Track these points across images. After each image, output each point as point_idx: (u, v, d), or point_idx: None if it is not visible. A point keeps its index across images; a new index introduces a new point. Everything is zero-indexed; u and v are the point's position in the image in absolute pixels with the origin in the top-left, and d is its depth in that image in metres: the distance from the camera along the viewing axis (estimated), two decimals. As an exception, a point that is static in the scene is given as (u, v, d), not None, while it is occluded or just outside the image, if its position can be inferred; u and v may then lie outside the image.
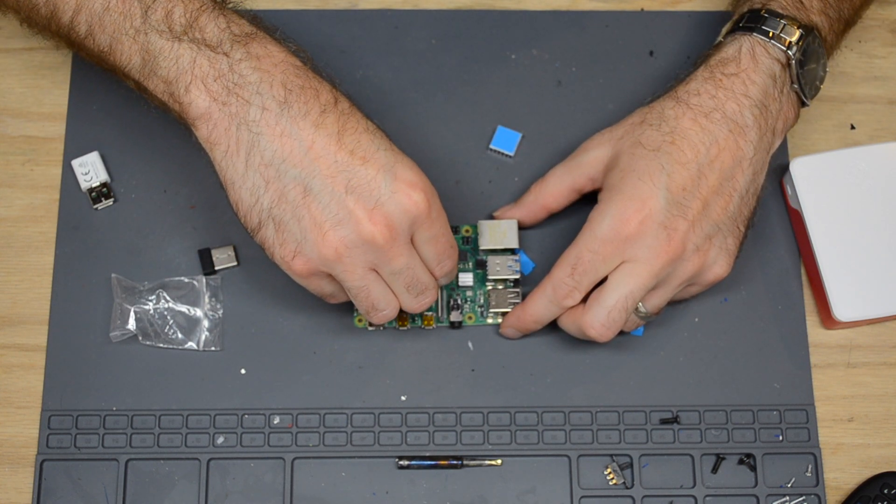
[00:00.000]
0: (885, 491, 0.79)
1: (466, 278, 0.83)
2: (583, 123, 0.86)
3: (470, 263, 0.84)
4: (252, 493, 0.80)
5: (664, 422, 0.81)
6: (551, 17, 0.89)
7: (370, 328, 0.83)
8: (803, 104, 0.80)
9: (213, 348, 0.82)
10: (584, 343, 0.82)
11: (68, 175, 0.85)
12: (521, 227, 0.84)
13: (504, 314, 0.82)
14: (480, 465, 0.81)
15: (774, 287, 0.84)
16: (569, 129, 0.86)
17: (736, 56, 0.77)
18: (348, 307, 0.83)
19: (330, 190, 0.71)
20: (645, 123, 0.77)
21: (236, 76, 0.72)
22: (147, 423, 0.81)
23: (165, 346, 0.82)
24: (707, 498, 0.80)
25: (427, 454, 0.80)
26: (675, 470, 0.81)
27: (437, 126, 0.87)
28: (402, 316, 0.82)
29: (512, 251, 0.83)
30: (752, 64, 0.77)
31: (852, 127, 0.88)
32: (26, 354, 0.82)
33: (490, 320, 0.83)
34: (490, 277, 0.82)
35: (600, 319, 0.76)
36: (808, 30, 0.77)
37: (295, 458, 0.80)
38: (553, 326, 0.80)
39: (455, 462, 0.80)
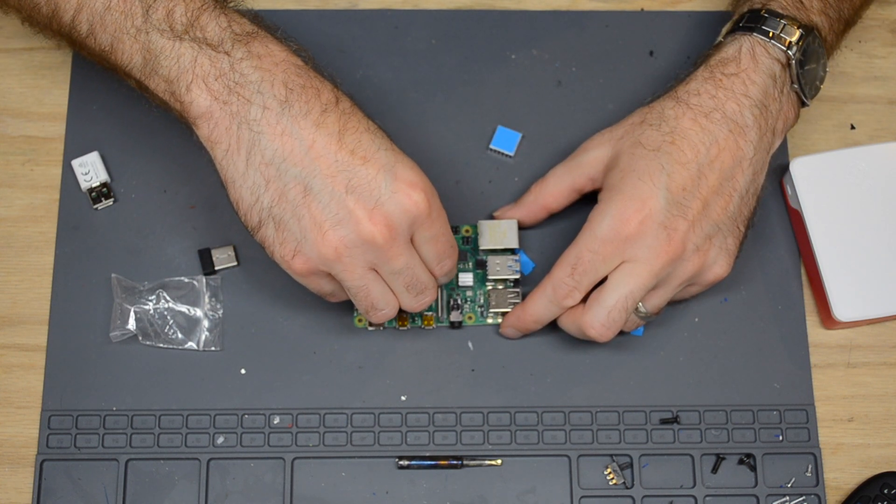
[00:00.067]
0: (885, 491, 0.79)
1: (466, 278, 0.83)
2: (583, 123, 0.86)
3: (470, 263, 0.84)
4: (252, 493, 0.80)
5: (664, 422, 0.81)
6: (551, 17, 0.89)
7: (370, 328, 0.83)
8: (803, 104, 0.80)
9: (213, 348, 0.82)
10: (584, 343, 0.82)
11: (68, 175, 0.85)
12: (521, 227, 0.84)
13: (504, 314, 0.82)
14: (480, 465, 0.81)
15: (774, 287, 0.84)
16: (569, 129, 0.86)
17: (736, 56, 0.77)
18: (348, 307, 0.83)
19: (330, 189, 0.71)
20: (645, 123, 0.77)
21: (237, 75, 0.72)
22: (147, 423, 0.81)
23: (165, 346, 0.82)
24: (707, 498, 0.80)
25: (427, 454, 0.80)
26: (675, 470, 0.81)
27: (437, 126, 0.87)
28: (402, 316, 0.82)
29: (512, 251, 0.83)
30: (752, 64, 0.77)
31: (852, 127, 0.88)
32: (26, 354, 0.82)
33: (490, 320, 0.83)
34: (490, 277, 0.82)
35: (600, 319, 0.76)
36: (809, 30, 0.77)
37: (295, 458, 0.80)
38: (553, 326, 0.80)
39: (455, 462, 0.80)
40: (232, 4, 0.75)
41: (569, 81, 0.88)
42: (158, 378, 0.82)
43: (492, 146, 0.86)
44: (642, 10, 0.90)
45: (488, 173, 0.86)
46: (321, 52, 0.86)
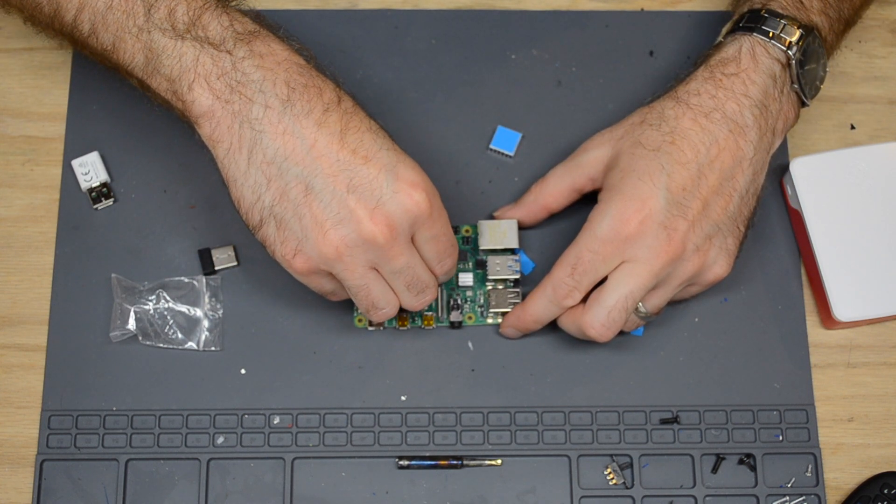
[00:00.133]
0: (885, 491, 0.79)
1: (466, 278, 0.83)
2: (583, 123, 0.86)
3: (470, 263, 0.84)
4: (252, 493, 0.80)
5: (664, 422, 0.81)
6: (551, 17, 0.89)
7: (370, 328, 0.83)
8: (803, 104, 0.80)
9: (213, 348, 0.82)
10: (584, 343, 0.82)
11: (68, 175, 0.85)
12: (521, 227, 0.84)
13: (504, 314, 0.82)
14: (480, 465, 0.81)
15: (774, 287, 0.84)
16: (569, 129, 0.86)
17: (736, 56, 0.77)
18: (348, 307, 0.83)
19: (331, 189, 0.71)
20: (645, 123, 0.77)
21: (239, 74, 0.72)
22: (147, 423, 0.81)
23: (165, 346, 0.82)
24: (707, 498, 0.80)
25: (427, 454, 0.80)
26: (675, 470, 0.81)
27: (437, 126, 0.87)
28: (402, 316, 0.82)
29: (512, 251, 0.83)
30: (752, 64, 0.77)
31: (852, 127, 0.88)
32: (26, 354, 0.82)
33: (490, 320, 0.83)
34: (490, 277, 0.82)
35: (600, 319, 0.76)
36: (809, 30, 0.77)
37: (295, 458, 0.80)
38: (553, 326, 0.80)
39: (455, 462, 0.80)
40: (234, 3, 0.75)
41: (569, 81, 0.88)
42: (158, 378, 0.82)
43: (492, 146, 0.86)
44: (642, 10, 0.90)
45: (488, 173, 0.86)
46: (321, 52, 0.86)
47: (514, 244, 0.82)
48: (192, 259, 0.84)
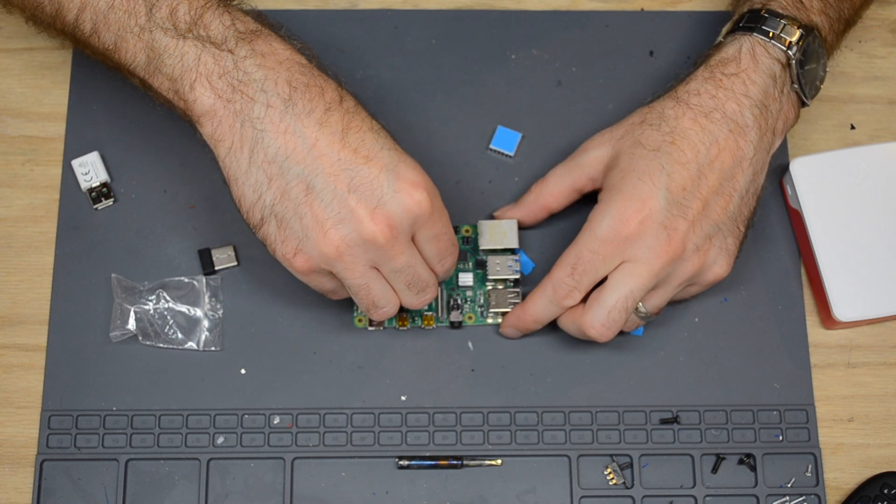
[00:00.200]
0: (885, 491, 0.79)
1: (466, 278, 0.83)
2: (583, 123, 0.86)
3: (470, 263, 0.84)
4: (252, 493, 0.80)
5: (664, 422, 0.81)
6: (551, 17, 0.89)
7: (370, 328, 0.83)
8: (803, 104, 0.80)
9: (213, 348, 0.82)
10: (584, 343, 0.82)
11: (68, 175, 0.85)
12: (521, 227, 0.84)
13: (504, 314, 0.82)
14: (480, 465, 0.81)
15: (774, 287, 0.84)
16: (569, 129, 0.86)
17: (736, 56, 0.77)
18: (348, 306, 0.83)
19: (332, 188, 0.71)
20: (645, 123, 0.77)
21: (241, 73, 0.72)
22: (147, 423, 0.81)
23: (165, 346, 0.82)
24: (707, 498, 0.80)
25: (427, 454, 0.80)
26: (675, 470, 0.81)
27: (437, 126, 0.87)
28: (402, 316, 0.82)
29: (512, 251, 0.83)
30: (752, 64, 0.77)
31: (852, 127, 0.88)
32: (26, 354, 0.82)
33: (490, 320, 0.83)
34: (490, 277, 0.82)
35: (600, 319, 0.76)
36: (809, 30, 0.77)
37: (295, 458, 0.80)
38: (553, 326, 0.80)
39: (455, 462, 0.80)
40: (235, 3, 0.75)
41: (569, 81, 0.88)
42: (158, 378, 0.82)
43: (492, 146, 0.86)
44: (642, 10, 0.90)
45: (488, 173, 0.86)
46: (322, 52, 0.85)
47: (514, 244, 0.82)
48: (192, 259, 0.84)
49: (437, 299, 0.83)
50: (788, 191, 0.84)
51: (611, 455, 0.81)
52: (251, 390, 0.81)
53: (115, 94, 0.86)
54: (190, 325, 0.82)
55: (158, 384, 0.81)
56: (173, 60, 0.72)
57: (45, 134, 0.86)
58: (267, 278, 0.83)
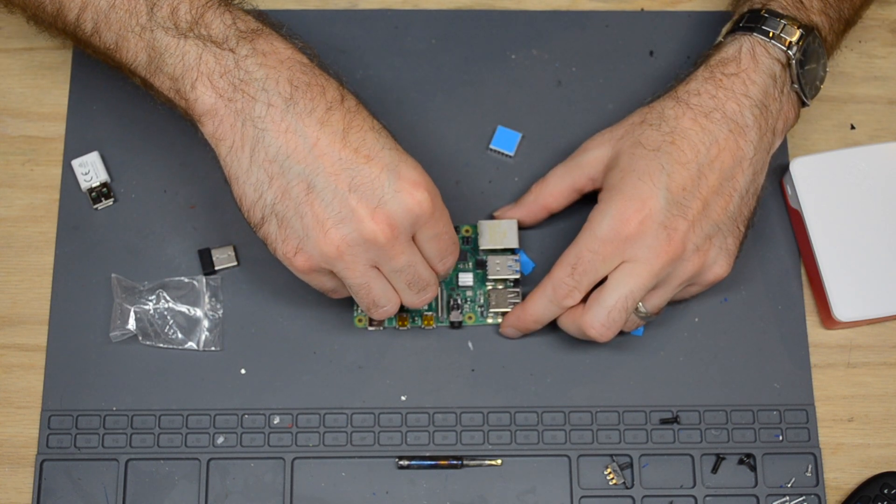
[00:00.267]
0: (885, 491, 0.79)
1: (466, 278, 0.83)
2: (583, 123, 0.86)
3: (470, 263, 0.84)
4: (252, 493, 0.80)
5: (664, 422, 0.81)
6: (551, 17, 0.89)
7: (370, 327, 0.83)
8: (803, 104, 0.80)
9: (213, 348, 0.82)
10: (584, 343, 0.82)
11: (68, 175, 0.85)
12: (521, 227, 0.84)
13: (504, 314, 0.82)
14: (480, 465, 0.81)
15: (774, 287, 0.84)
16: (569, 129, 0.86)
17: (736, 56, 0.77)
18: (348, 306, 0.83)
19: (333, 188, 0.71)
20: (645, 123, 0.77)
21: (242, 72, 0.72)
22: (147, 423, 0.81)
23: (165, 346, 0.82)
24: (707, 498, 0.80)
25: (427, 454, 0.80)
26: (675, 470, 0.81)
27: (437, 126, 0.87)
28: (402, 315, 0.82)
29: (512, 251, 0.83)
30: (752, 64, 0.77)
31: (852, 127, 0.88)
32: (26, 354, 0.82)
33: (490, 320, 0.83)
34: (490, 277, 0.82)
35: (600, 319, 0.76)
36: (809, 30, 0.77)
37: (295, 458, 0.80)
38: (553, 326, 0.80)
39: (455, 462, 0.80)
40: (236, 2, 0.75)
41: (569, 81, 0.88)
42: (158, 378, 0.82)
43: (492, 146, 0.86)
44: (642, 10, 0.90)
45: (488, 173, 0.86)
46: (321, 52, 0.85)
47: (514, 244, 0.82)
48: (192, 259, 0.84)
49: (437, 299, 0.83)
50: (788, 191, 0.84)
51: (611, 455, 0.81)
52: (251, 390, 0.81)
53: (115, 94, 0.86)
54: (190, 325, 0.82)
55: (158, 384, 0.81)
56: (174, 60, 0.72)
57: (45, 134, 0.86)
58: (267, 278, 0.83)
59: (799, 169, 0.83)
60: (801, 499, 0.80)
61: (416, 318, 0.83)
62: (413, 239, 0.74)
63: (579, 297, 0.77)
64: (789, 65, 0.77)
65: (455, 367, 0.82)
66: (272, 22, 0.75)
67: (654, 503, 0.80)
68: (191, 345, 0.82)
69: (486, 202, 0.85)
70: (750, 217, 0.78)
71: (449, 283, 0.83)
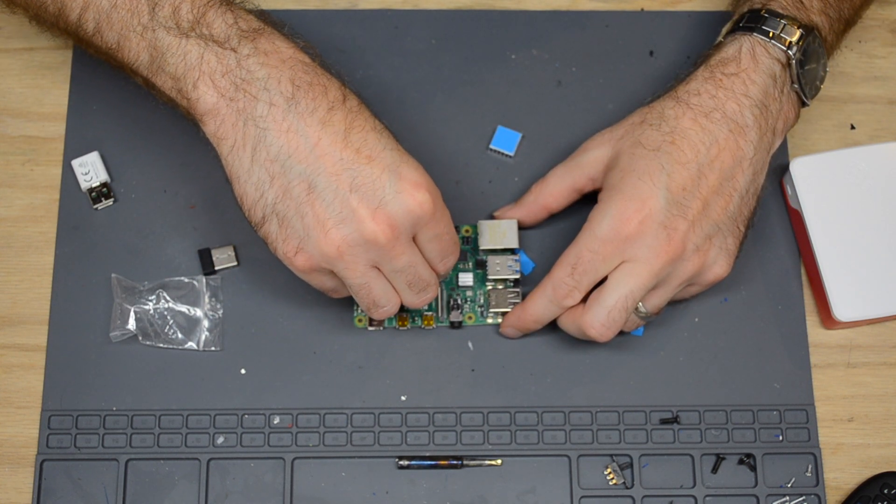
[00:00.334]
0: (885, 491, 0.79)
1: (466, 278, 0.83)
2: (583, 123, 0.86)
3: (470, 263, 0.84)
4: (252, 493, 0.80)
5: (664, 422, 0.81)
6: (551, 17, 0.89)
7: (370, 327, 0.83)
8: (803, 104, 0.80)
9: (213, 348, 0.82)
10: (584, 343, 0.82)
11: (68, 175, 0.85)
12: (521, 227, 0.84)
13: (504, 314, 0.82)
14: (480, 465, 0.81)
15: (774, 287, 0.84)
16: (569, 129, 0.86)
17: (736, 56, 0.77)
18: (348, 306, 0.83)
19: (334, 188, 0.71)
20: (645, 123, 0.77)
21: (244, 72, 0.72)
22: (147, 423, 0.81)
23: (165, 346, 0.82)
24: (707, 498, 0.80)
25: (427, 454, 0.80)
26: (675, 470, 0.81)
27: (437, 126, 0.87)
28: (402, 316, 0.82)
29: (512, 251, 0.83)
30: (752, 64, 0.77)
31: (852, 127, 0.88)
32: (26, 354, 0.82)
33: (490, 320, 0.83)
34: (490, 277, 0.82)
35: (600, 319, 0.76)
36: (809, 30, 0.77)
37: (295, 458, 0.80)
38: (553, 326, 0.80)
39: (455, 462, 0.80)
40: (238, 1, 0.75)
41: (569, 81, 0.88)
42: (158, 378, 0.81)
43: (492, 146, 0.86)
44: (642, 10, 0.90)
45: (488, 173, 0.86)
46: (322, 52, 0.85)
47: (514, 244, 0.82)
48: (192, 259, 0.84)
49: (437, 299, 0.83)
50: (788, 191, 0.84)
51: (611, 455, 0.81)
52: (251, 390, 0.81)
53: (115, 94, 0.86)
54: (190, 325, 0.82)
55: (158, 384, 0.81)
56: (176, 59, 0.72)
57: (45, 134, 0.86)
58: (267, 278, 0.83)
59: (799, 169, 0.83)
60: (801, 499, 0.80)
61: (416, 318, 0.83)
62: (413, 239, 0.74)
63: (579, 296, 0.77)
64: (789, 65, 0.77)
65: (455, 367, 0.82)
66: (274, 21, 0.75)
67: (654, 503, 0.80)
68: (191, 345, 0.82)
69: (486, 202, 0.85)
70: (750, 217, 0.78)
71: (449, 283, 0.83)
